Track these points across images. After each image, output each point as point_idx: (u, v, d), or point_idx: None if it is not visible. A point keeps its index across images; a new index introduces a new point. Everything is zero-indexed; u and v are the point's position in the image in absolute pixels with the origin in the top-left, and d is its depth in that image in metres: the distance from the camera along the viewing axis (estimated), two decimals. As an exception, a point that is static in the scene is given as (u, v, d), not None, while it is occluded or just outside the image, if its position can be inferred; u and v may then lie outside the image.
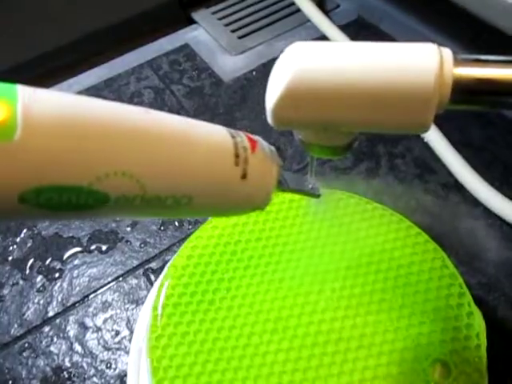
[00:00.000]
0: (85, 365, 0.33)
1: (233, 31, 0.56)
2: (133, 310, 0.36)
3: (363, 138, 0.44)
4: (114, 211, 0.15)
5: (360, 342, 0.27)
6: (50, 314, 0.36)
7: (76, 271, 0.38)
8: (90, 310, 0.36)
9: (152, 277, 0.37)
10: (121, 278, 0.37)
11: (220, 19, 0.58)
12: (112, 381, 0.32)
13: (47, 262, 0.38)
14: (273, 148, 0.19)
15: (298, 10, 0.57)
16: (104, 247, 0.39)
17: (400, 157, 0.43)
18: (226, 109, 0.48)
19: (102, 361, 0.33)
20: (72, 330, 0.35)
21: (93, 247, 0.39)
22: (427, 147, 0.43)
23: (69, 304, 0.36)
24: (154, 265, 0.38)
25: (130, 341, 0.34)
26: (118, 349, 0.34)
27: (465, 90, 0.17)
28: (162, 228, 0.40)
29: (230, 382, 0.25)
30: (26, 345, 0.34)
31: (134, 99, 0.50)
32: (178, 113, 0.48)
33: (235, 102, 0.49)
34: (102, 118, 0.14)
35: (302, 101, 0.17)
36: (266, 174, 0.18)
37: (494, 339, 0.27)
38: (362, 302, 0.28)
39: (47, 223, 0.41)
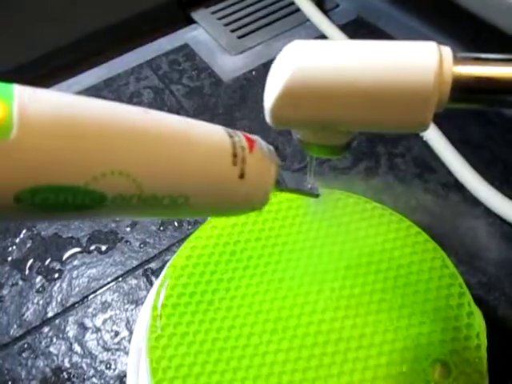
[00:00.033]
0: (84, 365, 0.33)
1: (232, 31, 0.56)
2: (132, 310, 0.36)
3: (363, 137, 0.44)
4: (112, 211, 0.15)
5: (360, 342, 0.26)
6: (50, 314, 0.36)
7: (75, 272, 0.38)
8: (90, 310, 0.36)
9: (152, 277, 0.37)
10: (120, 279, 0.37)
11: (219, 19, 0.58)
12: (111, 381, 0.32)
13: (46, 262, 0.38)
14: (271, 147, 0.19)
15: (298, 10, 0.57)
16: (103, 247, 0.39)
17: (400, 156, 0.43)
18: (226, 109, 0.48)
19: (101, 361, 0.33)
20: (71, 331, 0.35)
21: (92, 247, 0.39)
22: (427, 146, 0.43)
23: (68, 304, 0.36)
24: (153, 265, 0.38)
25: (129, 341, 0.34)
26: (117, 349, 0.34)
27: (464, 89, 0.17)
28: (161, 228, 0.40)
29: (230, 382, 0.25)
30: (26, 345, 0.34)
31: (133, 99, 0.50)
32: (178, 113, 0.48)
33: (235, 102, 0.49)
34: (99, 117, 0.14)
35: (300, 100, 0.17)
36: (264, 174, 0.18)
37: (495, 339, 0.27)
38: (361, 302, 0.28)
39: (46, 224, 0.41)
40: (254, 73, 0.51)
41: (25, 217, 0.14)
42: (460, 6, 0.41)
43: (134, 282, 0.37)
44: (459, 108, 0.18)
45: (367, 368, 0.26)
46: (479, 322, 0.27)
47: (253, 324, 0.27)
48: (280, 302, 0.28)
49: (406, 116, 0.17)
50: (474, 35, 0.44)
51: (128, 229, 0.40)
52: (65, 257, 0.39)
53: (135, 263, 0.38)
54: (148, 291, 0.36)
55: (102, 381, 0.32)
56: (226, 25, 0.57)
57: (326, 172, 0.42)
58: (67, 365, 0.33)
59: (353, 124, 0.18)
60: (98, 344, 0.34)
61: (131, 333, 0.34)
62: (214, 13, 0.59)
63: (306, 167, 0.27)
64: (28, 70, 0.52)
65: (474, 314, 0.27)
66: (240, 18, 0.58)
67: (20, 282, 0.37)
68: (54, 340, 0.34)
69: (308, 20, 0.55)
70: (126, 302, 0.36)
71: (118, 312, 0.36)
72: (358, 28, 0.55)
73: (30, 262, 0.39)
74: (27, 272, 0.38)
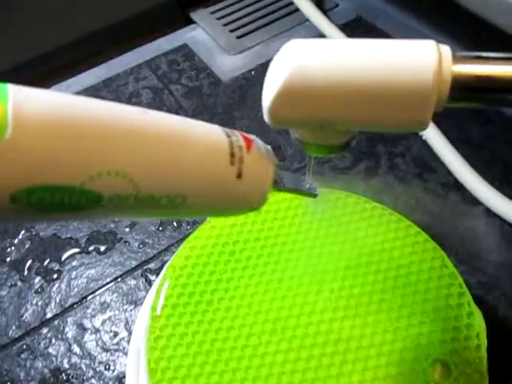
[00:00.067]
0: (83, 366, 0.33)
1: (231, 31, 0.56)
2: (131, 311, 0.35)
3: (362, 137, 0.44)
4: (108, 211, 0.15)
5: (359, 342, 0.26)
6: (49, 315, 0.36)
7: (74, 272, 0.38)
8: (89, 311, 0.36)
9: (151, 277, 0.37)
10: (119, 279, 0.37)
11: (218, 19, 0.58)
12: (110, 382, 0.32)
13: (45, 263, 0.38)
14: (269, 147, 0.19)
15: (297, 10, 0.57)
16: (102, 248, 0.39)
17: (399, 156, 0.43)
18: (225, 108, 0.48)
19: (100, 362, 0.33)
20: (70, 332, 0.35)
21: (91, 248, 0.39)
22: (427, 146, 0.43)
23: (67, 305, 0.36)
24: (152, 265, 0.38)
25: (128, 342, 0.34)
26: (116, 350, 0.34)
27: (464, 88, 0.17)
28: (160, 228, 0.40)
29: (229, 383, 0.25)
30: (24, 346, 0.34)
31: (132, 99, 0.50)
32: (177, 113, 0.48)
33: (234, 102, 0.49)
34: (95, 117, 0.14)
35: (298, 99, 0.17)
36: (261, 174, 0.17)
37: (495, 339, 0.27)
38: (361, 303, 0.28)
39: (45, 224, 0.40)
40: (253, 73, 0.51)
41: (21, 217, 0.14)
42: (460, 5, 0.41)
43: (133, 282, 0.37)
44: (458, 107, 0.17)
45: (367, 369, 0.26)
46: (479, 322, 0.27)
47: (252, 324, 0.27)
48: (279, 302, 0.28)
49: (404, 115, 0.17)
50: (473, 35, 0.44)
51: (127, 229, 0.40)
52: (64, 257, 0.39)
53: (134, 264, 0.38)
54: (147, 292, 0.36)
55: (101, 382, 0.32)
56: (225, 25, 0.57)
57: (325, 172, 0.42)
58: (66, 366, 0.33)
59: (351, 123, 0.18)
60: (97, 345, 0.34)
61: (130, 333, 0.34)
62: (213, 13, 0.59)
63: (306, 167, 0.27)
64: (27, 69, 0.52)
65: (474, 314, 0.27)
66: (239, 18, 0.58)
67: (19, 283, 0.37)
68: (53, 341, 0.34)
69: (307, 20, 0.55)
70: (125, 302, 0.36)
71: (117, 313, 0.35)
72: (358, 28, 0.55)
73: (29, 262, 0.38)
74: (26, 273, 0.38)
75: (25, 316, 0.36)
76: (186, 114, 0.48)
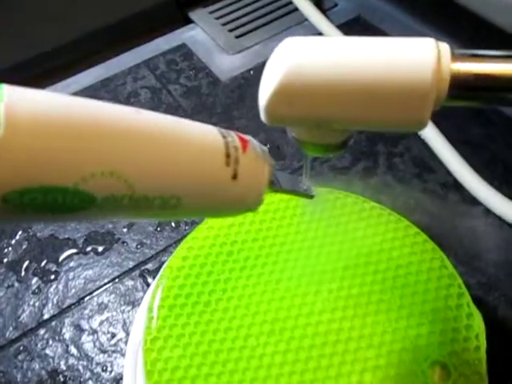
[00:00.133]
0: (80, 368, 0.33)
1: (230, 30, 0.56)
2: (129, 311, 0.35)
3: (362, 136, 0.44)
4: (103, 212, 0.15)
5: (358, 343, 0.26)
6: (46, 316, 0.35)
7: (72, 273, 0.37)
8: (86, 312, 0.35)
9: (148, 278, 0.37)
10: (117, 280, 0.37)
11: (217, 18, 0.58)
12: (108, 384, 0.32)
13: (43, 263, 0.38)
14: (265, 148, 0.18)
15: (296, 9, 0.56)
16: (100, 248, 0.39)
17: (398, 156, 0.43)
18: (224, 108, 0.48)
19: (97, 363, 0.33)
20: (68, 333, 0.34)
21: (89, 249, 0.39)
22: (426, 146, 0.43)
23: (64, 306, 0.36)
24: (150, 266, 0.38)
25: (126, 343, 0.33)
26: (114, 351, 0.33)
27: (463, 86, 0.16)
28: (158, 229, 0.39)
29: (226, 385, 0.25)
30: (21, 348, 0.34)
31: (130, 99, 0.49)
32: (176, 112, 0.48)
33: (232, 102, 0.48)
34: (89, 117, 0.14)
35: (295, 97, 0.16)
36: (257, 174, 0.17)
37: (494, 340, 0.27)
38: (359, 303, 0.27)
39: (42, 225, 0.40)
40: (251, 72, 0.51)
41: (14, 218, 0.14)
42: (459, 4, 0.41)
43: (130, 283, 0.37)
44: (457, 106, 0.17)
45: (365, 370, 0.25)
46: (478, 323, 0.27)
47: (250, 325, 0.27)
48: (277, 303, 0.28)
49: (403, 114, 0.17)
50: (472, 33, 0.44)
51: (125, 230, 0.40)
52: (61, 258, 0.38)
53: (132, 264, 0.38)
54: (145, 292, 0.36)
55: (99, 383, 0.32)
56: (224, 24, 0.57)
57: (324, 171, 0.41)
58: (63, 367, 0.33)
59: (348, 122, 0.17)
60: (95, 346, 0.34)
61: (128, 334, 0.34)
62: (211, 12, 0.58)
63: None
64: (25, 69, 0.52)
65: (474, 315, 0.27)
66: (238, 18, 0.57)
67: (16, 284, 0.37)
68: (50, 342, 0.34)
69: (306, 19, 0.55)
70: (122, 303, 0.36)
71: (114, 313, 0.35)
72: (357, 27, 0.55)
73: (26, 263, 0.38)
74: (23, 273, 0.38)
75: (22, 317, 0.35)
76: (185, 113, 0.48)
